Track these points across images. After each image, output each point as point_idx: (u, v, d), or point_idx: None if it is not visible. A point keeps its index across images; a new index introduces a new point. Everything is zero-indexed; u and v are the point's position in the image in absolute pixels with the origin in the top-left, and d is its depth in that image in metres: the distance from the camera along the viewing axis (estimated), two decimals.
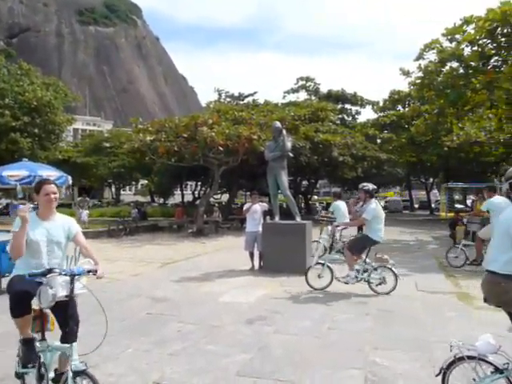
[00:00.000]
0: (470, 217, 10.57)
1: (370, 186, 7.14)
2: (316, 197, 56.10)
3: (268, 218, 9.69)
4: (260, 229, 9.23)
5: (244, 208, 9.95)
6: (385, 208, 44.64)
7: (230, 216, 23.20)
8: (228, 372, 3.98)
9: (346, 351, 4.48)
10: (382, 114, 32.92)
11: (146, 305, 6.42)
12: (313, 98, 37.69)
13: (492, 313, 5.86)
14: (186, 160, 18.63)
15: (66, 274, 3.04)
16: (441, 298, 6.78)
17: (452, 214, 17.46)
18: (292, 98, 38.76)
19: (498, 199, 8.70)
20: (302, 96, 39.14)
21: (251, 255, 9.39)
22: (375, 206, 6.92)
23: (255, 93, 37.84)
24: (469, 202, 29.34)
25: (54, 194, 3.44)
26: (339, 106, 35.53)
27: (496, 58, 14.92)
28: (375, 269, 6.92)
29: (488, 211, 8.87)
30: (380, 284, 6.88)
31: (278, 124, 9.60)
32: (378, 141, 31.20)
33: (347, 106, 38.41)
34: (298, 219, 9.25)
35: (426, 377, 3.85)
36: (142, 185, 50.92)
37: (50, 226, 3.44)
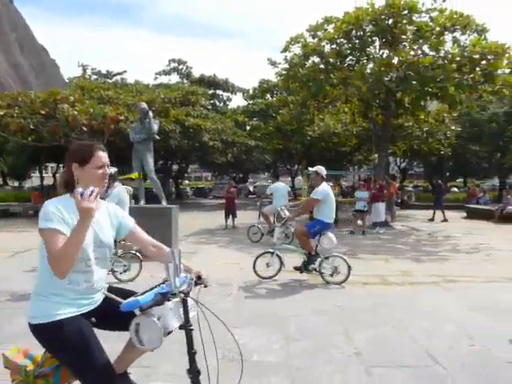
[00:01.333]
0: (261, 201, 13.25)
1: (112, 170, 6.96)
2: (187, 181, 55.97)
3: (133, 201, 9.37)
4: None
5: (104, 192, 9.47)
6: (253, 193, 46.80)
7: None
8: None
9: (206, 332, 4.57)
10: (251, 102, 33.96)
11: None
12: (185, 81, 37.27)
13: (339, 288, 6.55)
14: (45, 139, 17.02)
15: (174, 294, 2.06)
16: (295, 275, 7.31)
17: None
18: (164, 79, 37.89)
19: (280, 184, 12.09)
20: (174, 79, 38.50)
21: (114, 241, 9.03)
22: (119, 190, 6.81)
23: (124, 71, 36.22)
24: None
25: (108, 166, 2.26)
26: (211, 92, 35.70)
27: (351, 57, 16.42)
28: (119, 256, 6.73)
29: (271, 193, 11.82)
30: (125, 271, 6.71)
31: (144, 105, 9.28)
32: (248, 127, 32.20)
33: (219, 92, 38.79)
34: (164, 203, 9.14)
35: (279, 349, 4.13)
36: None
37: (96, 219, 2.16)
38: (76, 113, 15.53)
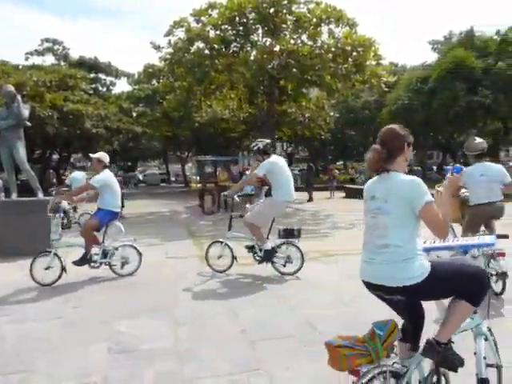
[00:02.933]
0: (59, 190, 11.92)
1: None
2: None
3: (2, 195, 8.52)
4: None
5: None
6: (143, 182, 45.43)
7: None
8: None
9: (91, 327, 4.40)
10: (136, 87, 32.69)
11: None
12: (62, 63, 34.47)
13: (228, 270, 6.72)
14: None
15: None
16: (186, 261, 7.35)
17: (200, 186, 18.99)
18: (36, 60, 34.57)
19: (78, 173, 12.28)
20: (49, 60, 35.36)
21: None
22: None
23: None
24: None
25: None
26: (92, 75, 33.56)
27: (235, 43, 16.65)
28: None
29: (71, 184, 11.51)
30: None
31: (10, 88, 8.39)
32: (134, 114, 31.02)
33: (101, 76, 36.62)
34: (41, 195, 8.45)
35: (166, 335, 4.14)
36: None
37: None
38: None
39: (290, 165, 44.12)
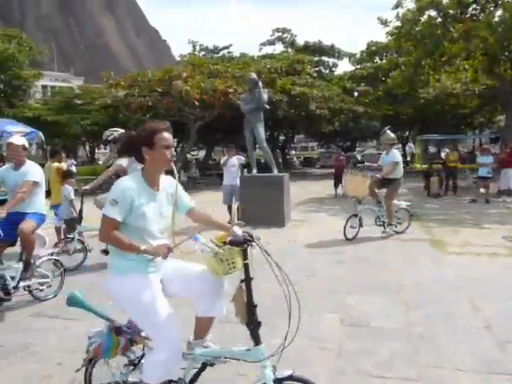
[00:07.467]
0: None
1: None
2: (293, 151, 56.16)
3: (245, 170, 9.68)
4: (237, 182, 9.21)
5: (221, 162, 9.88)
6: (361, 162, 45.39)
7: (208, 171, 23.16)
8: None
9: (322, 296, 4.62)
10: (358, 67, 32.48)
11: None
12: (289, 50, 36.85)
13: (461, 257, 6.13)
14: (162, 115, 18.23)
15: None
16: (414, 245, 7.00)
17: (426, 166, 17.77)
18: (268, 50, 37.95)
19: None
20: (279, 48, 38.26)
21: (229, 208, 9.43)
22: None
23: (230, 45, 36.82)
24: (443, 154, 29.71)
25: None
26: (316, 59, 34.89)
27: (474, 5, 14.72)
28: None
29: None
30: None
31: (254, 75, 9.37)
32: (355, 93, 30.98)
33: (324, 59, 37.69)
34: (276, 171, 9.27)
35: (397, 315, 4.03)
36: None
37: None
38: (189, 88, 16.29)
39: None
